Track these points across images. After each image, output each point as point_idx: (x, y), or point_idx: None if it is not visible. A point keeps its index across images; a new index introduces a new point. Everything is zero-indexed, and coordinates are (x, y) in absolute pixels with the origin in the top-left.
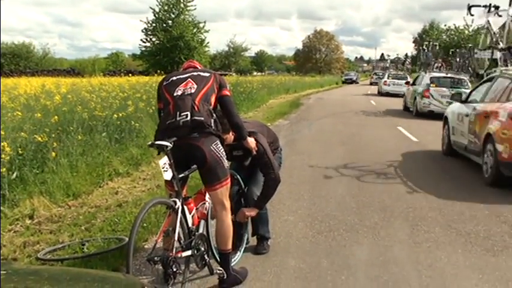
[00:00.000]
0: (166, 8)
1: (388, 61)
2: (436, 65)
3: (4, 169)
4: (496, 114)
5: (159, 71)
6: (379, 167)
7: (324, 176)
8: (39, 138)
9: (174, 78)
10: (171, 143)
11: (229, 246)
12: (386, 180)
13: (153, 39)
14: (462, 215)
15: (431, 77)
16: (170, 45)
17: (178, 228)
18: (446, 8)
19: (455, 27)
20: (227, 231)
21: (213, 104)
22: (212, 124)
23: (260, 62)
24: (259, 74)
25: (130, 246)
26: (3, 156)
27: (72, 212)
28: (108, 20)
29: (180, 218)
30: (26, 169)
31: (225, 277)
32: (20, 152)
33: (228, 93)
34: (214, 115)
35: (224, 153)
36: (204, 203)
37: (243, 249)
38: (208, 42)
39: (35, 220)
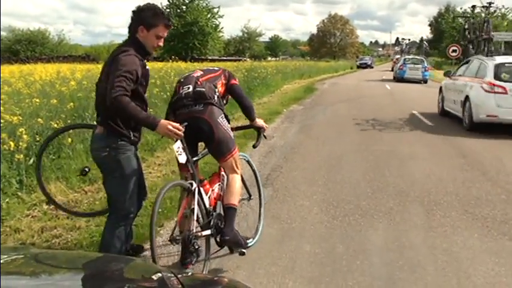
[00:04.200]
0: None
1: (404, 44)
2: (452, 48)
3: (22, 156)
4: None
5: (173, 57)
6: (394, 152)
7: (339, 161)
8: (55, 125)
9: (187, 74)
10: (182, 127)
11: (235, 202)
12: (401, 164)
13: None
14: (478, 200)
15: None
16: (184, 30)
17: (196, 209)
18: None
19: (472, 10)
20: (235, 187)
21: (219, 89)
22: (215, 98)
23: (274, 47)
24: (273, 59)
25: (152, 230)
26: (20, 143)
27: (89, 198)
28: (122, 5)
29: (198, 199)
30: (42, 155)
31: (226, 233)
32: (37, 138)
33: (236, 82)
34: (218, 93)
35: (229, 125)
36: (220, 184)
37: (257, 237)
38: (222, 28)
39: (52, 205)
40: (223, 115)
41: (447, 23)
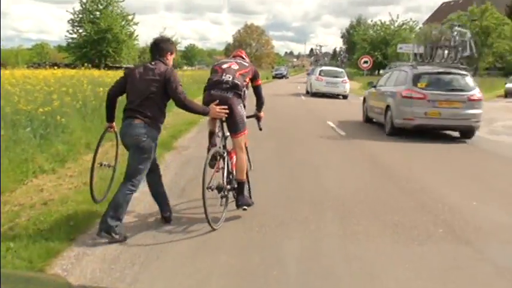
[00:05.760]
0: None
1: (312, 57)
2: (363, 60)
3: None
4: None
5: (86, 64)
6: (309, 161)
7: (254, 171)
8: None
9: (224, 60)
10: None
11: (243, 176)
12: (316, 173)
13: (80, 30)
14: (389, 207)
15: (321, 70)
16: (98, 37)
17: (225, 169)
18: (372, 4)
19: (381, 23)
20: (243, 165)
21: (246, 82)
22: (243, 90)
23: (190, 56)
24: (189, 68)
25: (204, 192)
26: None
27: None
28: (32, 9)
29: (226, 163)
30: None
31: (239, 200)
32: None
33: (260, 83)
34: (245, 84)
35: (245, 114)
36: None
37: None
38: (137, 35)
39: None
40: (242, 105)
41: (358, 35)
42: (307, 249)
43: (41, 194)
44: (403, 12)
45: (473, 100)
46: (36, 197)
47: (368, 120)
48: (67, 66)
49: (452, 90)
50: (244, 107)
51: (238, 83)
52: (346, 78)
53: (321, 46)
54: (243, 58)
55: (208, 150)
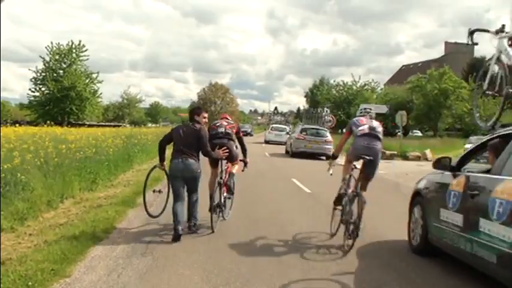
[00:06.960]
0: (57, 57)
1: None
2: (327, 118)
3: None
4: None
5: (49, 122)
6: (274, 217)
7: (219, 228)
8: None
9: (216, 121)
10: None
11: (235, 171)
12: (280, 230)
13: (43, 88)
14: (352, 265)
15: (272, 126)
16: (61, 95)
17: (222, 192)
18: (335, 65)
19: (344, 83)
20: (237, 168)
21: (234, 132)
22: (234, 136)
23: (155, 113)
24: (153, 125)
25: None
26: None
27: None
28: None
29: (223, 188)
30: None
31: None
32: None
33: (242, 135)
34: (234, 136)
35: (237, 151)
36: (229, 177)
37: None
38: (101, 93)
39: None
40: (235, 146)
41: (322, 95)
42: None
43: None
44: (364, 73)
45: (327, 141)
46: None
47: (287, 152)
48: (29, 123)
49: (318, 136)
50: (236, 147)
51: (230, 131)
52: (287, 131)
53: (276, 107)
54: (228, 119)
55: (210, 209)
